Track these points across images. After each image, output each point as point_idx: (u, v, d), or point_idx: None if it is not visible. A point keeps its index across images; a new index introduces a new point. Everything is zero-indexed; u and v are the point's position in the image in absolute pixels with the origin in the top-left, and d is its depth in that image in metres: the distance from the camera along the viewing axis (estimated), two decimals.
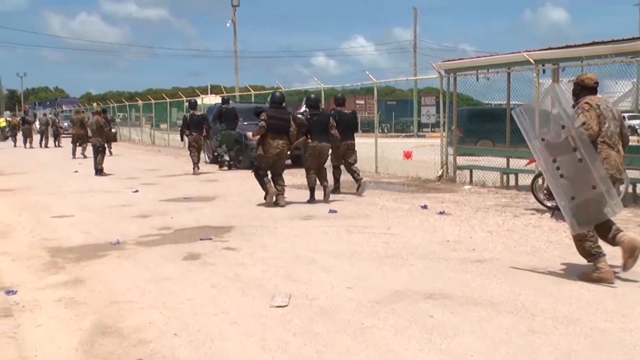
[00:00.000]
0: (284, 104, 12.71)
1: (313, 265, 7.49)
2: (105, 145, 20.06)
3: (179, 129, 21.88)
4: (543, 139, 6.58)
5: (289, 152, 12.95)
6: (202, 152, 20.05)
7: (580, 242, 6.67)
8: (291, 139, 12.36)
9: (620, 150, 6.84)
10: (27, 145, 34.97)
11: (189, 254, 8.30)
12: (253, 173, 12.63)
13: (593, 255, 6.60)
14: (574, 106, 6.79)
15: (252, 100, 26.76)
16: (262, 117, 12.25)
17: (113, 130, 34.04)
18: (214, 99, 38.38)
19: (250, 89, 29.65)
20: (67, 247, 8.99)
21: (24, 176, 19.38)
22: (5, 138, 41.56)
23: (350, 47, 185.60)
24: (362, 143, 21.41)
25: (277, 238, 9.24)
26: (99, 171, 18.78)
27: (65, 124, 42.86)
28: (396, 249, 8.28)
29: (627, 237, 6.63)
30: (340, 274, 7.04)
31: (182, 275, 7.23)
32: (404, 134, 47.24)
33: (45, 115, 38.77)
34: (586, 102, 6.75)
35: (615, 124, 6.82)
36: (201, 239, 9.21)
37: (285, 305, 5.90)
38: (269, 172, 12.41)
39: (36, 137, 36.98)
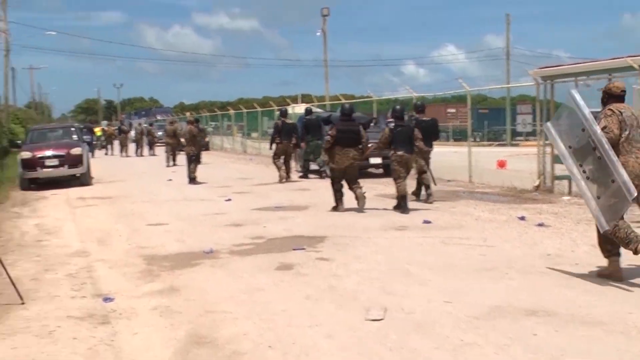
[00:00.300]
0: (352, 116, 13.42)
1: (408, 278, 7.31)
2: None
3: (270, 137, 21.86)
4: (570, 147, 7.04)
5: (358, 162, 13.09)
6: (291, 160, 20.00)
7: (615, 234, 6.90)
8: (363, 149, 12.86)
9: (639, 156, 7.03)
10: (123, 153, 36.00)
11: (282, 264, 8.25)
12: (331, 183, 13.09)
13: (631, 240, 6.83)
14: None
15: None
16: (330, 132, 12.73)
17: (206, 139, 34.66)
18: (304, 108, 38.49)
19: (340, 97, 29.59)
20: (162, 255, 9.09)
21: (120, 184, 19.89)
22: (102, 147, 42.77)
23: (440, 55, 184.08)
24: (454, 152, 21.07)
25: (371, 249, 9.09)
26: (192, 180, 19.05)
27: (160, 133, 43.82)
28: (494, 261, 8.00)
29: None
30: (436, 287, 6.84)
31: (275, 286, 7.17)
32: (496, 143, 46.37)
33: (140, 124, 39.76)
34: (609, 109, 7.10)
35: (639, 131, 7.10)
36: (294, 249, 9.15)
37: (381, 319, 5.75)
38: (343, 184, 12.90)
39: (132, 146, 38.04)
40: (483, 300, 6.27)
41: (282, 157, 19.14)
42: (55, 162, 19.11)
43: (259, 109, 36.06)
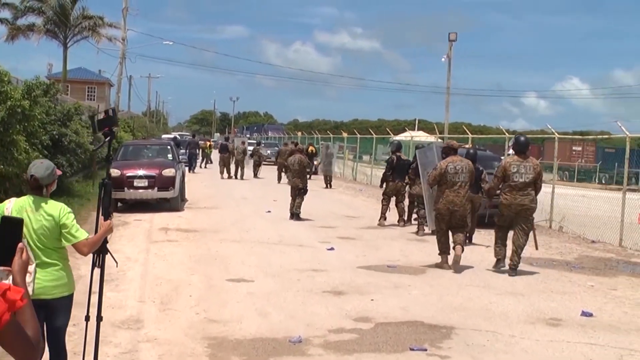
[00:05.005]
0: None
1: None
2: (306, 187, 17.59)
3: (383, 170, 18.75)
4: (427, 172, 11.57)
5: None
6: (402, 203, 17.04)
7: (438, 240, 10.99)
8: None
9: (460, 192, 10.65)
10: (225, 175, 32.71)
11: None
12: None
13: (442, 251, 10.89)
14: None
15: (469, 141, 23.57)
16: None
17: (316, 162, 32.42)
18: (424, 137, 35.82)
19: (466, 129, 26.44)
20: (233, 340, 6.86)
21: (213, 212, 17.75)
22: (206, 163, 40.64)
23: (564, 88, 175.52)
24: (582, 196, 17.88)
25: (517, 357, 6.52)
26: (294, 215, 16.64)
27: (268, 152, 41.90)
28: None
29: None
30: None
31: None
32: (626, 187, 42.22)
33: (243, 143, 35.57)
34: (440, 163, 10.91)
35: (463, 176, 10.68)
36: (411, 349, 6.69)
37: None
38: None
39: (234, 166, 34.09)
40: None
41: (393, 197, 16.47)
42: (144, 182, 17.08)
43: (374, 136, 33.50)
